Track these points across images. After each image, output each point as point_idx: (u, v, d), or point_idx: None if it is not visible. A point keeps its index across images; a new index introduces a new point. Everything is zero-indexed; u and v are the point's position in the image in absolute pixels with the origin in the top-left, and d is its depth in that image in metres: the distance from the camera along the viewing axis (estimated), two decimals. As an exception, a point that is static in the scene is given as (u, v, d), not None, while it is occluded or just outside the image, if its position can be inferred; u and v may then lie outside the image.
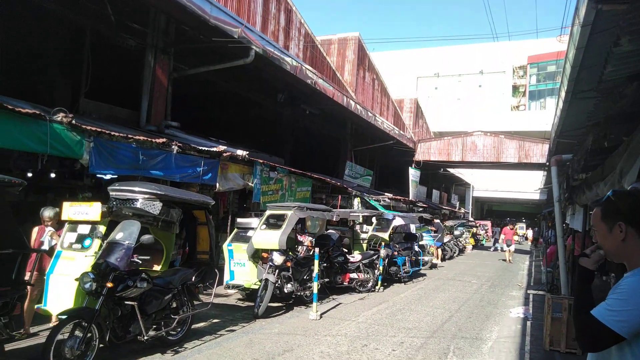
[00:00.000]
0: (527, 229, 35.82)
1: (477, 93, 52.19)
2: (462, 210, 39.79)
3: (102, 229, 5.37)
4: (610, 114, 5.68)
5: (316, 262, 7.84)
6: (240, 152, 10.12)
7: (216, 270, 6.79)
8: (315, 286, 7.82)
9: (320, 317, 7.70)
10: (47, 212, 6.22)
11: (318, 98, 15.38)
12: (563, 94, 5.93)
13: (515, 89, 55.37)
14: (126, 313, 5.13)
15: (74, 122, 6.50)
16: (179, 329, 5.97)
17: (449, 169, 31.96)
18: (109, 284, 4.84)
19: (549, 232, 19.21)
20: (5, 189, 4.19)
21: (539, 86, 53.42)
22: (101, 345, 4.87)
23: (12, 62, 9.85)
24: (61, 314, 4.76)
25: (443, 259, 18.67)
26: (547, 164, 14.71)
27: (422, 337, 6.83)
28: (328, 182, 14.73)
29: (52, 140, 6.23)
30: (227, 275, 8.69)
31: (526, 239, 31.77)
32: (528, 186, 37.51)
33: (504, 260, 19.92)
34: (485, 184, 42.54)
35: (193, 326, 6.35)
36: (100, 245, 5.23)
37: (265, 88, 14.73)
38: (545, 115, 34.22)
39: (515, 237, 21.28)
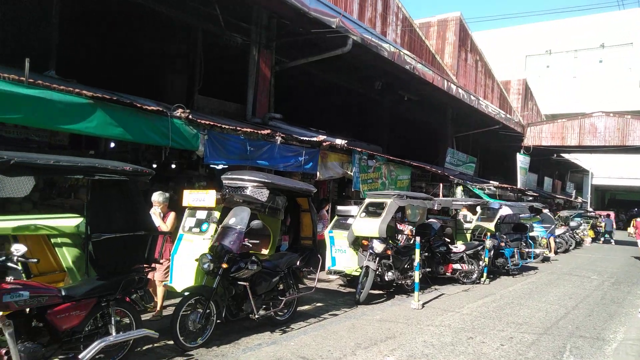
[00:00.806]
0: None
1: (597, 69, 46.66)
2: (579, 199, 36.21)
3: (217, 214, 5.83)
4: None
5: (417, 251, 7.71)
6: (339, 141, 10.28)
7: (319, 255, 7.00)
8: (416, 275, 7.71)
9: (422, 306, 7.58)
10: (157, 197, 6.36)
11: (417, 84, 15.00)
12: None
13: (645, 61, 48.59)
14: (239, 293, 5.55)
15: (190, 117, 7.12)
16: (286, 310, 6.28)
17: (563, 155, 29.21)
18: (224, 265, 5.27)
19: None
20: (138, 177, 4.74)
21: (675, 57, 46.26)
22: (218, 321, 5.35)
23: (135, 63, 11.05)
24: (184, 290, 5.30)
25: (556, 252, 17.21)
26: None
27: (533, 334, 6.41)
28: (428, 169, 14.35)
29: (173, 134, 6.88)
30: (328, 261, 8.92)
31: None
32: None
33: (638, 258, 17.20)
34: (607, 171, 38.17)
35: (298, 308, 6.64)
36: (216, 230, 5.68)
37: (363, 76, 14.71)
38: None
39: None
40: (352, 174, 10.78)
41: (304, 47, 11.50)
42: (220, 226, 5.68)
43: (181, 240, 5.88)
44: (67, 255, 4.56)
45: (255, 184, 6.11)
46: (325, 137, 10.07)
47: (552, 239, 16.96)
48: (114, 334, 4.28)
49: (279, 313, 6.15)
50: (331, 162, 10.28)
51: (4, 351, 3.61)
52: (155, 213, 6.27)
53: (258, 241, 6.23)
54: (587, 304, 8.68)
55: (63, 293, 3.97)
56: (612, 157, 31.95)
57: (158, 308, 6.20)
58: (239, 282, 5.51)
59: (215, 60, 11.01)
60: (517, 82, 26.50)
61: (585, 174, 37.81)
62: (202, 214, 5.95)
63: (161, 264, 5.51)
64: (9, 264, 3.65)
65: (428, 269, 9.28)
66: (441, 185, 14.75)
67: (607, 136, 21.93)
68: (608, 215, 27.96)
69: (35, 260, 4.08)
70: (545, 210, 17.99)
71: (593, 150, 24.88)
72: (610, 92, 40.73)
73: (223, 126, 7.66)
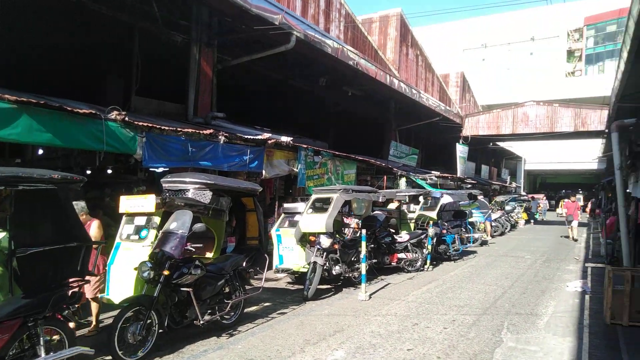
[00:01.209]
0: (584, 200, 33.92)
1: (528, 61, 49.42)
2: (514, 184, 38.34)
3: (157, 219, 5.67)
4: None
5: (363, 243, 7.89)
6: (284, 139, 10.27)
7: (266, 255, 6.99)
8: (363, 267, 7.89)
9: (370, 297, 7.78)
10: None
11: (360, 79, 15.24)
12: (625, 54, 5.55)
13: (570, 53, 51.93)
14: (182, 299, 5.43)
15: (126, 119, 6.85)
16: (233, 313, 6.23)
17: (498, 143, 30.80)
18: (166, 272, 5.13)
19: (607, 202, 18.23)
20: (68, 185, 4.47)
21: (596, 49, 49.77)
22: (160, 331, 5.18)
23: (67, 63, 10.46)
24: (122, 302, 5.11)
25: (492, 236, 18.17)
26: (607, 130, 13.85)
27: (474, 315, 6.77)
28: (372, 163, 14.66)
29: (108, 138, 6.59)
30: (276, 260, 8.93)
31: (584, 210, 30.22)
32: (585, 156, 35.49)
33: (567, 237, 17.96)
34: (538, 156, 40.65)
35: (246, 310, 6.61)
36: (156, 236, 5.52)
37: (307, 73, 14.75)
38: (603, 80, 32.09)
39: (579, 212, 18.16)
40: (298, 170, 10.82)
41: (247, 45, 11.37)
42: (160, 232, 5.53)
43: (118, 249, 5.67)
44: (-13, 275, 4.25)
45: (196, 185, 5.97)
46: (270, 134, 10.04)
47: (488, 223, 17.91)
48: (43, 355, 4.00)
49: (226, 317, 6.08)
50: (277, 159, 10.26)
51: None
52: None
53: (202, 245, 6.13)
54: (522, 282, 9.27)
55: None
56: (542, 144, 34.02)
57: (94, 323, 5.90)
58: (182, 289, 5.38)
59: (154, 60, 10.63)
60: (456, 75, 27.56)
61: (518, 160, 40.04)
62: (141, 220, 5.77)
63: (96, 276, 5.27)
64: None
65: (374, 260, 9.52)
66: (385, 177, 15.12)
67: (537, 124, 23.31)
68: (533, 198, 29.88)
69: None
70: (480, 197, 18.91)
71: (525, 137, 26.38)
72: (541, 82, 43.32)
73: (162, 127, 7.45)
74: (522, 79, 45.78)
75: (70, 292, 4.34)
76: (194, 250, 5.65)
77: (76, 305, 4.45)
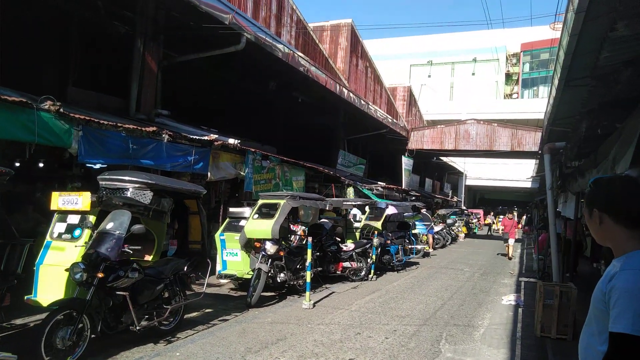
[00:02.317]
0: (520, 216, 35.97)
1: (471, 81, 52.18)
2: (455, 198, 39.99)
3: (92, 218, 5.30)
4: (604, 101, 5.68)
5: (309, 251, 7.82)
6: (231, 141, 10.03)
7: (208, 260, 6.74)
8: (308, 275, 7.81)
9: (314, 306, 7.71)
10: None
11: (311, 86, 15.26)
12: (556, 81, 5.92)
13: (508, 76, 55.39)
14: (118, 303, 5.10)
15: (62, 110, 6.38)
16: (172, 319, 5.94)
17: (441, 158, 32.03)
18: (100, 275, 4.80)
19: (540, 220, 19.26)
20: None
21: (532, 74, 53.44)
22: (93, 336, 4.85)
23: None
24: (52, 304, 4.71)
25: (434, 248, 18.77)
26: (540, 152, 14.77)
27: (414, 325, 6.87)
28: (321, 171, 14.68)
29: (40, 129, 6.10)
30: (219, 265, 8.66)
31: (523, 228, 32.07)
32: (520, 174, 37.73)
33: (504, 255, 17.32)
34: (478, 173, 42.71)
35: (186, 316, 6.34)
36: (90, 235, 5.17)
37: (257, 76, 14.57)
38: (538, 103, 34.31)
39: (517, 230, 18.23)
40: (245, 174, 10.59)
41: (195, 43, 11.02)
42: (95, 232, 5.17)
43: (49, 248, 5.24)
44: None
45: (137, 185, 5.66)
46: (217, 136, 9.75)
47: (430, 236, 18.50)
48: None
49: (164, 322, 5.78)
50: (223, 162, 9.99)
51: None
52: None
53: (140, 247, 5.78)
54: (461, 294, 9.57)
55: None
56: (482, 161, 35.81)
57: None
58: (118, 292, 5.05)
59: (95, 50, 10.07)
60: (403, 89, 28.40)
61: (460, 175, 41.85)
62: (74, 219, 5.38)
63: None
64: None
65: (319, 268, 9.48)
66: (333, 185, 15.20)
67: (478, 141, 24.48)
68: (471, 212, 31.42)
69: None
70: (423, 210, 19.51)
71: (466, 154, 27.64)
72: (482, 101, 45.66)
73: (101, 121, 7.01)
74: (465, 97, 48.13)
75: None
76: (131, 252, 5.33)
77: None
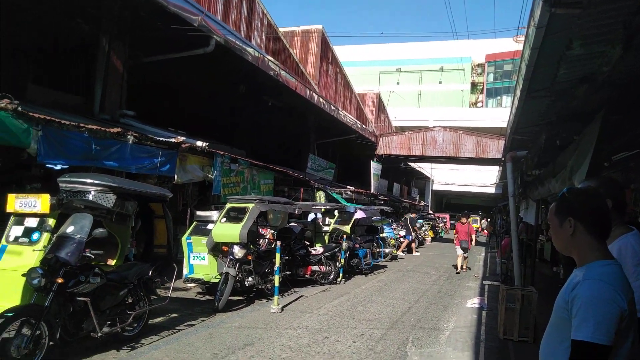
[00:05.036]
0: (481, 221, 36.84)
1: (438, 89, 53.40)
2: (422, 203, 40.74)
3: (51, 222, 5.08)
4: (562, 113, 5.93)
5: (278, 255, 7.77)
6: (199, 143, 9.88)
7: (174, 264, 6.60)
8: (276, 279, 7.76)
9: (282, 310, 7.66)
10: None
11: (281, 90, 15.24)
12: (518, 92, 6.12)
13: (473, 86, 57.06)
14: (78, 309, 4.91)
15: (19, 109, 6.12)
16: (135, 325, 5.79)
17: (409, 163, 32.58)
18: (60, 280, 4.62)
19: (503, 224, 19.73)
20: None
21: (496, 84, 55.31)
22: (51, 343, 4.66)
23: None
24: (6, 311, 4.46)
25: (403, 251, 19.01)
26: (503, 159, 15.24)
27: (382, 329, 6.93)
28: (290, 174, 14.66)
29: (-4, 128, 5.84)
30: (186, 269, 8.50)
31: (482, 230, 32.93)
32: (485, 180, 38.81)
33: (455, 267, 14.34)
34: (444, 178, 43.68)
35: (150, 321, 6.17)
36: (50, 239, 4.95)
37: (228, 79, 14.43)
38: (501, 113, 35.46)
39: (474, 236, 15.21)
40: (213, 177, 10.45)
41: (163, 43, 10.81)
42: (55, 236, 4.97)
43: (4, 252, 4.99)
44: None
45: (99, 188, 5.47)
46: (184, 138, 9.59)
47: (406, 240, 18.75)
48: None
49: (127, 328, 5.62)
50: (191, 164, 9.81)
51: None
52: None
53: (102, 251, 5.61)
54: (427, 297, 9.73)
55: None
56: (449, 167, 36.60)
57: None
58: (79, 298, 4.88)
59: (56, 47, 9.69)
60: (372, 96, 28.78)
61: (427, 180, 42.68)
62: (32, 222, 5.14)
63: None
64: None
65: (288, 272, 9.44)
66: (302, 189, 15.19)
67: (444, 148, 25.05)
68: (438, 217, 31.91)
69: None
70: (406, 216, 19.58)
71: (433, 160, 28.21)
72: (448, 109, 46.79)
73: (62, 121, 6.77)
74: (432, 104, 49.18)
75: None
76: (93, 257, 5.15)
77: None
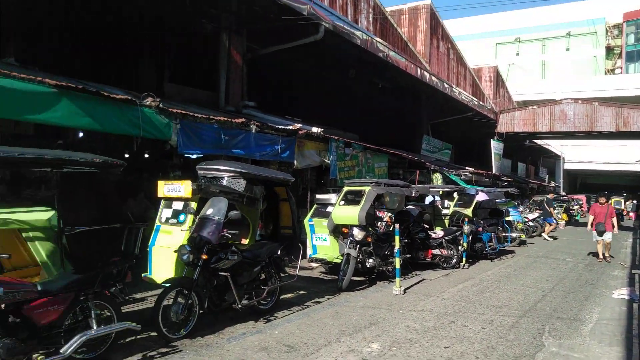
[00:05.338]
0: (625, 202, 31.90)
1: (565, 57, 47.97)
2: (552, 184, 37.17)
3: (193, 205, 5.68)
4: None
5: (397, 237, 7.70)
6: (315, 129, 10.16)
7: (299, 244, 6.93)
8: (397, 261, 7.70)
9: (404, 292, 7.60)
10: None
11: (390, 71, 14.98)
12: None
13: (609, 50, 50.01)
14: (221, 283, 5.45)
15: (161, 105, 6.86)
16: (269, 299, 6.24)
17: (535, 141, 29.86)
18: (204, 256, 5.15)
19: None
20: (109, 169, 4.59)
21: (637, 46, 47.82)
22: (201, 312, 5.24)
23: (102, 50, 10.57)
24: (165, 282, 5.19)
25: (532, 236, 17.54)
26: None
27: (513, 316, 6.49)
28: (405, 157, 14.40)
29: (144, 124, 6.60)
30: (309, 249, 8.85)
31: (627, 213, 28.83)
32: (629, 157, 34.06)
33: (593, 254, 12.87)
34: (577, 156, 39.26)
35: (281, 297, 6.58)
36: (193, 220, 5.53)
37: (337, 64, 14.58)
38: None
39: (615, 219, 12.36)
40: (329, 162, 10.69)
41: (276, 34, 11.27)
42: (197, 217, 5.52)
43: (158, 231, 5.70)
44: (40, 249, 4.33)
45: (231, 174, 5.95)
46: (301, 125, 9.93)
47: (547, 224, 17.34)
48: (95, 327, 4.18)
49: (262, 302, 6.09)
50: (308, 150, 10.16)
51: None
52: None
53: (237, 231, 6.07)
54: (564, 286, 8.87)
55: (39, 288, 3.84)
56: (583, 143, 32.89)
57: None
58: (220, 273, 5.39)
59: (185, 48, 10.68)
60: (489, 70, 26.88)
61: (557, 159, 38.80)
62: (178, 205, 5.78)
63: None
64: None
65: (408, 255, 9.31)
66: (418, 172, 14.84)
67: (576, 122, 22.51)
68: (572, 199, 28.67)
69: (7, 255, 3.94)
70: (539, 198, 17.99)
71: (564, 136, 25.54)
72: (578, 79, 41.91)
73: (196, 115, 7.44)
74: (559, 75, 44.43)
75: (115, 270, 4.45)
76: (230, 236, 5.60)
77: (121, 284, 4.59)
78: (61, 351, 3.86)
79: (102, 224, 4.43)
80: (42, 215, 4.42)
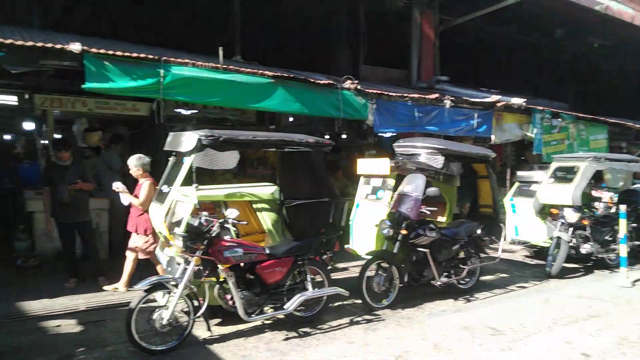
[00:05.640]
0: None
1: None
2: None
3: (391, 182, 5.88)
4: None
5: (623, 220, 6.58)
6: (515, 101, 9.28)
7: (501, 224, 6.52)
8: (622, 248, 6.60)
9: (632, 284, 6.47)
10: (131, 161, 5.51)
11: (611, 26, 12.58)
12: None
13: None
14: (419, 259, 5.50)
15: (359, 87, 7.17)
16: (468, 279, 6.06)
17: None
18: (403, 231, 5.28)
19: None
20: (320, 148, 5.10)
21: None
22: (401, 285, 5.42)
23: (301, 40, 11.55)
24: (367, 253, 5.51)
25: None
26: None
27: None
28: (630, 127, 12.06)
29: (344, 105, 7.00)
30: (510, 231, 8.24)
31: None
32: None
33: None
34: None
35: (481, 278, 6.33)
36: (392, 197, 5.71)
37: (539, 25, 12.96)
38: None
39: None
40: (532, 135, 9.66)
41: (469, 1, 10.60)
42: (395, 193, 5.66)
43: (359, 206, 6.07)
44: (266, 219, 5.09)
45: (428, 150, 5.88)
46: (499, 97, 9.19)
47: None
48: (310, 289, 4.72)
49: (461, 282, 5.96)
50: (507, 123, 9.34)
51: (229, 297, 4.32)
52: (119, 189, 5.37)
53: (436, 208, 6.02)
54: None
55: (267, 251, 4.50)
56: None
57: (126, 280, 5.60)
58: (419, 249, 5.45)
59: (376, 28, 10.87)
60: None
61: None
62: (376, 182, 6.05)
63: (146, 236, 5.53)
64: (226, 225, 4.25)
65: (636, 242, 7.88)
66: (649, 144, 12.32)
67: None
68: None
69: (245, 222, 4.66)
70: None
71: None
72: None
73: (390, 94, 7.55)
74: None
75: (325, 239, 4.92)
76: (428, 213, 5.60)
77: (331, 252, 5.04)
78: (285, 307, 4.49)
79: (315, 198, 4.88)
80: (268, 189, 5.19)
